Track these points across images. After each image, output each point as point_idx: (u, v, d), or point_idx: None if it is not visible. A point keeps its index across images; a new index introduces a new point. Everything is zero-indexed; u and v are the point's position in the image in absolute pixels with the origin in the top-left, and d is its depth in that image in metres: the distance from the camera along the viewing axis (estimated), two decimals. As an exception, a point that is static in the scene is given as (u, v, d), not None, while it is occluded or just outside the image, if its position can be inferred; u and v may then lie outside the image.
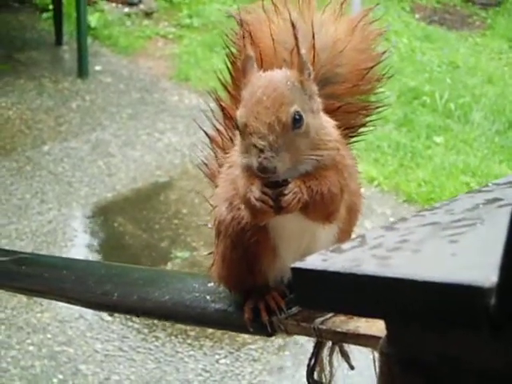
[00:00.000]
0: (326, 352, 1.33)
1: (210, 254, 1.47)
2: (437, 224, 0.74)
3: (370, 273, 0.65)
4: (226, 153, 1.50)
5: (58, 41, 7.41)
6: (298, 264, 0.70)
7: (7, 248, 4.73)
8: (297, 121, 1.25)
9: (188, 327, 4.47)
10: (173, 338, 4.41)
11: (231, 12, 1.50)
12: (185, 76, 7.00)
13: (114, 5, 7.98)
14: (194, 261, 4.97)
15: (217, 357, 4.31)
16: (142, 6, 8.04)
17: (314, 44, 1.44)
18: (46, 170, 5.74)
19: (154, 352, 4.31)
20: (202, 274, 1.51)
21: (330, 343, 1.31)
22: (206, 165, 1.61)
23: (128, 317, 4.51)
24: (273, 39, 1.47)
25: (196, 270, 4.84)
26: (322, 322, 1.18)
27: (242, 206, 1.31)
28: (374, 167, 5.75)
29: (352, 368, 1.32)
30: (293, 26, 1.30)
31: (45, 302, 4.56)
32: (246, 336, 4.50)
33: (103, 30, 7.60)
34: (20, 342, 4.32)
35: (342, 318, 1.14)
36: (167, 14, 8.06)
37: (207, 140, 1.61)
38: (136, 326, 4.47)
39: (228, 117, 1.54)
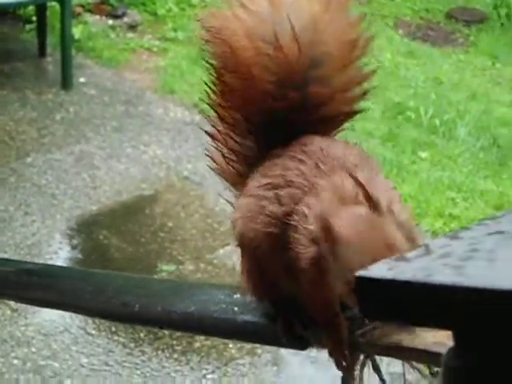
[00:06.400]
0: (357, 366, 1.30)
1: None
2: (504, 233, 0.72)
3: (446, 282, 0.63)
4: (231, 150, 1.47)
5: (42, 52, 7.34)
6: (362, 273, 0.68)
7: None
8: None
9: (174, 342, 4.43)
10: (159, 352, 4.36)
11: (200, 17, 1.45)
12: (170, 89, 6.96)
13: (98, 17, 7.94)
14: (180, 274, 4.93)
15: (204, 372, 4.27)
16: (126, 19, 8.00)
17: (293, 26, 1.37)
18: (29, 182, 5.67)
19: (140, 367, 4.25)
20: (227, 286, 1.48)
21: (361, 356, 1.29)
22: (212, 159, 1.56)
23: (113, 330, 4.46)
24: (247, 35, 1.40)
25: (182, 284, 4.80)
26: (362, 335, 1.15)
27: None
28: (360, 182, 5.74)
29: (384, 382, 1.30)
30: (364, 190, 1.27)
31: (29, 314, 4.50)
32: (234, 351, 4.46)
33: (87, 42, 7.55)
34: (4, 355, 4.24)
35: (383, 330, 1.12)
36: (152, 27, 8.03)
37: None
38: (122, 340, 4.41)
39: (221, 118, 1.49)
